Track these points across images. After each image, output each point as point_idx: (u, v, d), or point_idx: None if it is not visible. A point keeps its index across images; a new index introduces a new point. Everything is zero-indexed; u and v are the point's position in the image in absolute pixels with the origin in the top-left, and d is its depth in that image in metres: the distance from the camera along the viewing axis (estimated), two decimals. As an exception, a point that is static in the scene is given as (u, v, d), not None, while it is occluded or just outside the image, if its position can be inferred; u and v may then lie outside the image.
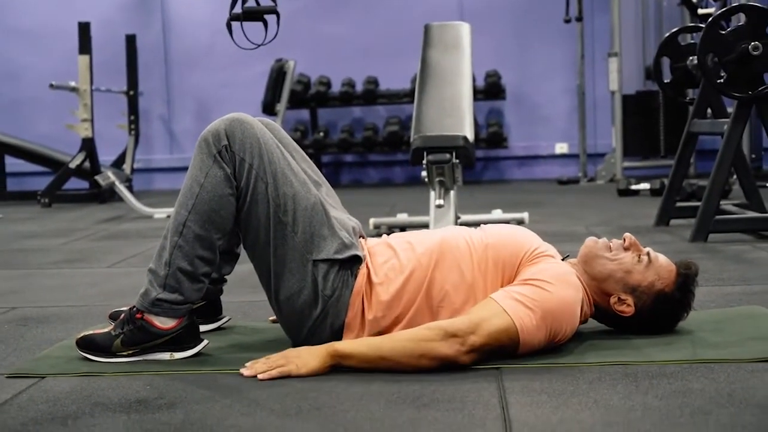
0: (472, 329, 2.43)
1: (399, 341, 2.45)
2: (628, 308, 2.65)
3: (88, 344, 2.65)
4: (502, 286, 2.59)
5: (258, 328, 3.04)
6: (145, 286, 2.62)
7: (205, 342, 2.69)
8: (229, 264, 2.91)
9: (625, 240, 2.69)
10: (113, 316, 2.93)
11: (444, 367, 2.42)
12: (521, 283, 2.54)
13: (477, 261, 2.62)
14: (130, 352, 2.63)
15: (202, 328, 2.87)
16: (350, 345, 2.48)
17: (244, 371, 2.45)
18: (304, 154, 2.87)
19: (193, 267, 2.60)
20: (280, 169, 2.62)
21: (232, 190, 2.60)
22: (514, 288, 2.53)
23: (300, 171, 2.68)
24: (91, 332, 2.69)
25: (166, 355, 2.64)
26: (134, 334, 2.62)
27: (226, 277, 2.97)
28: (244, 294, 3.68)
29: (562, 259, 2.71)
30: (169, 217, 2.78)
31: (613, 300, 2.66)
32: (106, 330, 2.67)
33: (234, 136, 2.61)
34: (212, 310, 2.99)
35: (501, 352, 2.48)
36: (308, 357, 2.45)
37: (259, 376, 2.41)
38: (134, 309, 2.63)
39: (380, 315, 2.60)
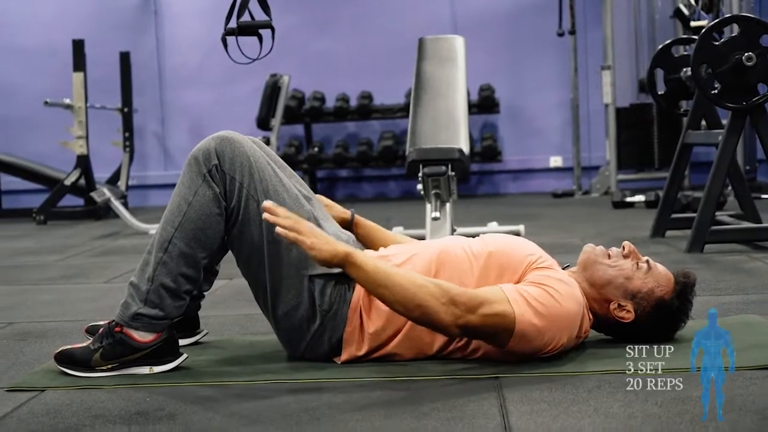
0: (472, 307, 2.43)
1: (407, 281, 2.43)
2: (627, 314, 2.65)
3: (66, 359, 2.64)
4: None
5: (255, 342, 3.04)
6: (125, 299, 2.61)
7: (185, 356, 2.68)
8: (207, 281, 2.89)
9: (624, 248, 2.70)
10: (90, 331, 2.92)
11: (427, 324, 2.45)
12: (530, 284, 2.53)
13: (477, 270, 2.61)
14: (110, 366, 2.61)
15: (180, 342, 2.86)
16: (364, 259, 2.46)
17: (268, 209, 2.44)
18: (291, 170, 2.85)
19: (177, 284, 2.59)
20: (272, 186, 2.62)
21: (220, 210, 2.60)
22: (524, 287, 2.52)
23: (291, 186, 2.68)
24: (69, 347, 2.67)
25: (145, 369, 2.63)
26: (113, 348, 2.61)
27: (204, 293, 2.96)
28: (241, 308, 3.68)
29: (563, 269, 2.71)
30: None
31: (612, 306, 2.66)
32: (84, 344, 2.65)
33: (224, 156, 2.61)
34: (190, 324, 2.99)
35: (491, 341, 2.49)
36: (325, 245, 2.44)
37: (277, 230, 2.41)
38: (113, 323, 2.63)
39: (380, 328, 2.59)
